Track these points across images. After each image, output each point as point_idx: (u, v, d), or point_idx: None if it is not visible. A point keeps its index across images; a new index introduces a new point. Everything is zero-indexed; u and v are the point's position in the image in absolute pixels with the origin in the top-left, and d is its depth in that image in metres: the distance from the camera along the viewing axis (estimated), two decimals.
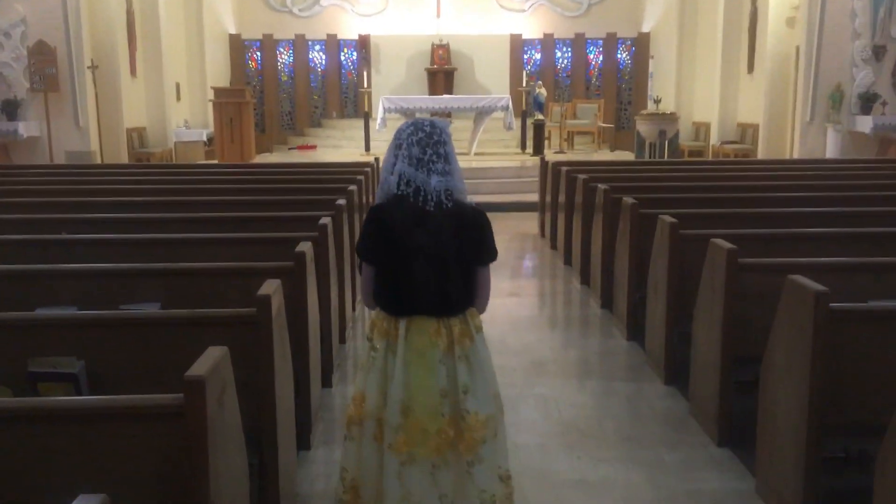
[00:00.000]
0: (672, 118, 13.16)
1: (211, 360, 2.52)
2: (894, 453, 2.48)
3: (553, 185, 9.01)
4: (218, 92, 13.93)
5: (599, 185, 6.91)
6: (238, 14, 19.66)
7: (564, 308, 7.46)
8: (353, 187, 7.15)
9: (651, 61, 14.15)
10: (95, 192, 7.41)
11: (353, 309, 6.81)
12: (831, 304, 3.15)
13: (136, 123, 15.89)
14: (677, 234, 4.97)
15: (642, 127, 13.18)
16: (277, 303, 3.48)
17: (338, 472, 3.06)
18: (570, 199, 8.06)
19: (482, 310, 2.99)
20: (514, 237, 10.25)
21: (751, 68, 15.93)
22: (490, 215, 3.05)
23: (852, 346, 3.25)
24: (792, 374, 3.31)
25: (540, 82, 15.69)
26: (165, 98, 16.33)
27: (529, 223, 11.20)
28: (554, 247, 9.14)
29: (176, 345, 3.21)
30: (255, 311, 3.33)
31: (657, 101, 13.14)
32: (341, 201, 6.22)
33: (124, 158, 15.03)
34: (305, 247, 4.44)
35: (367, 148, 15.78)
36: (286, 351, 3.71)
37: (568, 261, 8.35)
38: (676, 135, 13.34)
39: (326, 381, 5.09)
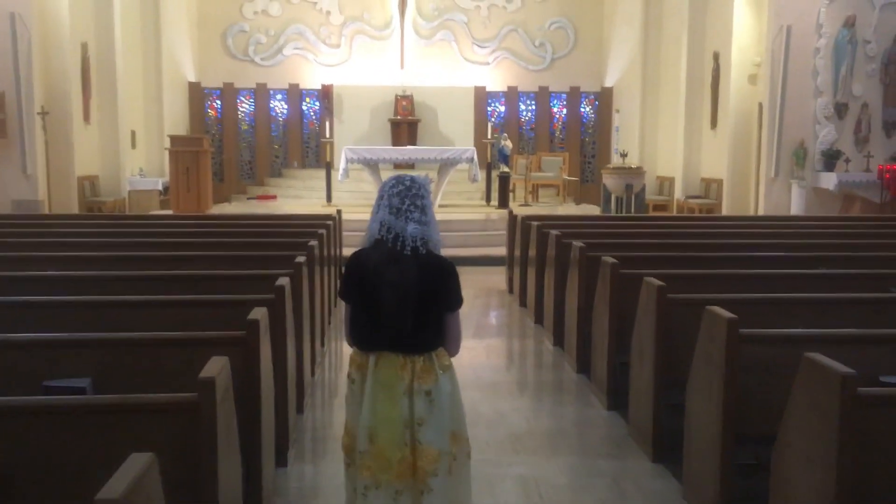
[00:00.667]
0: (638, 172, 13.03)
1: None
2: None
3: (522, 239, 8.69)
4: (175, 140, 13.47)
5: (574, 242, 6.59)
6: (198, 62, 19.31)
7: (537, 372, 7.08)
8: (313, 242, 6.73)
9: (616, 115, 14.08)
10: (31, 246, 6.87)
11: (312, 374, 6.33)
12: (859, 390, 2.80)
13: (89, 171, 15.32)
14: (665, 298, 4.63)
15: (609, 181, 13.02)
16: (223, 386, 3.12)
17: None
18: (542, 255, 7.73)
19: (453, 353, 3.19)
20: (480, 292, 9.87)
21: (714, 124, 15.99)
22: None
23: (880, 434, 2.88)
24: (813, 462, 2.94)
25: (505, 134, 15.54)
26: (120, 145, 15.80)
27: (496, 278, 10.85)
28: (523, 304, 8.78)
29: (105, 436, 2.89)
30: (196, 396, 2.98)
31: (623, 155, 13.02)
32: (301, 258, 5.79)
33: (74, 207, 14.43)
34: (260, 313, 4.01)
35: (329, 199, 15.39)
36: (232, 438, 3.35)
37: (539, 319, 7.98)
38: (643, 189, 13.20)
39: (281, 461, 4.61)
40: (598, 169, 19.52)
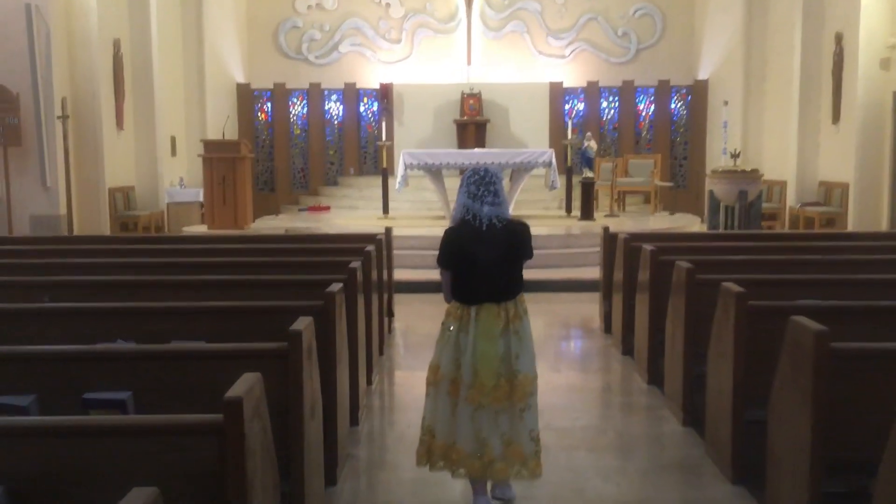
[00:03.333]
0: (754, 176, 10.77)
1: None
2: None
3: (627, 269, 6.61)
4: (209, 145, 11.84)
5: (728, 286, 4.36)
6: (247, 62, 17.80)
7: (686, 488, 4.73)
8: (346, 274, 4.86)
9: (724, 108, 11.86)
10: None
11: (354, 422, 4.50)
12: None
13: (123, 182, 13.86)
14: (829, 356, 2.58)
15: (717, 186, 10.80)
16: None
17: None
18: (658, 289, 5.66)
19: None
20: (563, 330, 7.83)
21: (836, 118, 13.54)
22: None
23: None
24: None
25: (589, 133, 13.45)
26: (158, 153, 14.32)
27: (585, 310, 8.82)
28: (627, 352, 6.69)
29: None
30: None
31: (735, 156, 10.79)
32: (334, 287, 4.00)
33: (105, 223, 12.97)
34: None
35: (386, 210, 13.56)
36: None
37: (654, 379, 5.87)
38: (759, 197, 10.93)
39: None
40: (690, 172, 17.25)
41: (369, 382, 5.76)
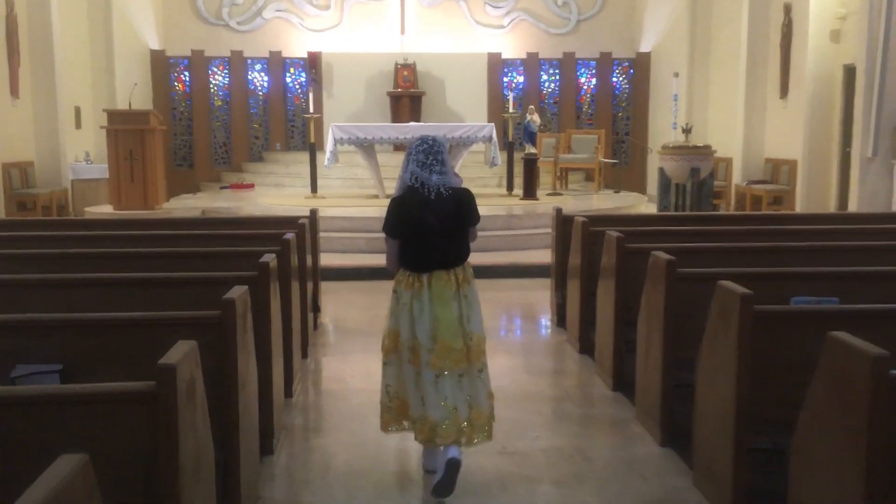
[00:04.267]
0: (706, 152, 10.16)
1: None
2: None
3: (586, 257, 5.82)
4: (113, 116, 10.58)
5: (728, 286, 3.53)
6: (162, 27, 16.40)
7: None
8: (266, 259, 3.93)
9: (674, 80, 11.22)
10: None
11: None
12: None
13: (19, 157, 12.47)
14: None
15: (668, 164, 10.15)
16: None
17: (379, 393, 4.04)
18: (631, 290, 4.89)
19: (474, 240, 4.03)
20: (510, 324, 7.03)
21: (784, 92, 13.07)
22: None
23: None
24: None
25: (532, 107, 12.65)
26: (60, 125, 12.94)
27: (532, 299, 8.06)
28: (585, 351, 5.91)
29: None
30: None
31: (687, 131, 10.14)
32: (233, 294, 3.05)
33: None
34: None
35: (314, 188, 12.53)
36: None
37: (622, 387, 5.08)
38: (711, 174, 10.33)
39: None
40: (633, 149, 16.67)
41: (288, 395, 4.86)
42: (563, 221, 6.71)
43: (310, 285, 6.13)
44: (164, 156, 15.61)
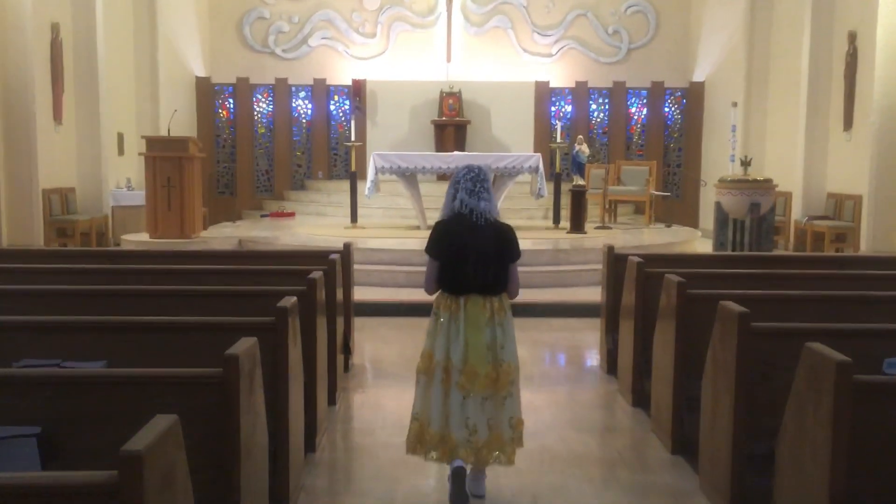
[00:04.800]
0: (767, 187, 9.57)
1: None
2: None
3: (641, 300, 5.31)
4: (152, 143, 10.41)
5: (817, 348, 3.01)
6: (208, 54, 16.38)
7: None
8: (284, 304, 3.52)
9: (733, 111, 10.67)
10: None
11: None
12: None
13: (61, 183, 12.40)
14: None
15: (726, 198, 9.58)
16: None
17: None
18: (695, 343, 4.38)
19: (514, 295, 4.10)
20: (554, 373, 6.50)
21: (848, 124, 12.39)
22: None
23: None
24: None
25: (581, 137, 12.18)
26: (103, 151, 12.85)
27: (579, 341, 7.56)
28: (639, 404, 5.37)
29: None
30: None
31: (746, 164, 9.57)
32: (237, 349, 2.62)
33: (38, 229, 11.51)
34: None
35: (354, 218, 12.20)
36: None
37: (682, 450, 4.52)
38: (772, 210, 9.73)
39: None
40: (685, 181, 16.06)
41: (310, 450, 4.42)
42: (614, 260, 6.22)
43: (341, 324, 5.72)
44: (207, 183, 15.57)
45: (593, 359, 6.65)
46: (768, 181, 9.66)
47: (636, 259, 5.39)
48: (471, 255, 3.89)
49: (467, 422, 3.86)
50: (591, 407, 5.48)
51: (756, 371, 3.54)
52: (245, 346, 2.80)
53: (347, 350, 6.03)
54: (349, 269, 6.14)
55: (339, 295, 5.62)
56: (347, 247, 6.18)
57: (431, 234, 4.04)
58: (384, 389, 5.89)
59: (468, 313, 3.90)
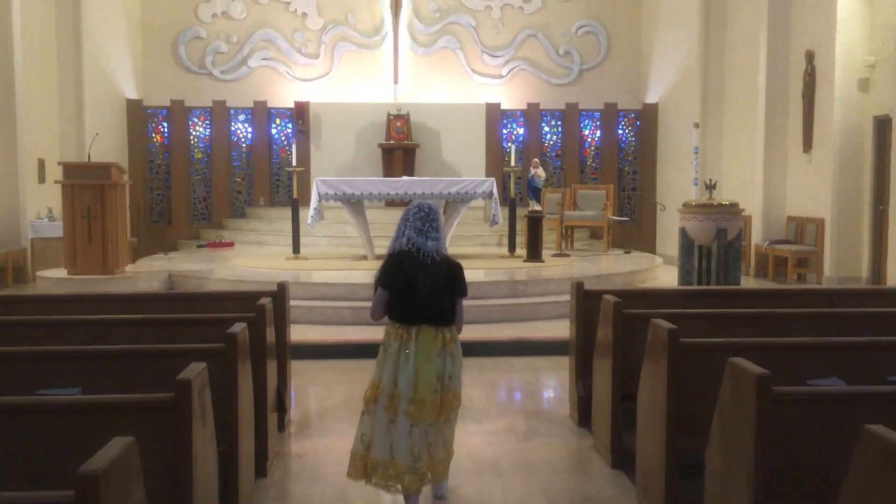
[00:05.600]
0: (733, 211, 9.06)
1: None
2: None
3: (618, 347, 4.64)
4: (69, 169, 9.46)
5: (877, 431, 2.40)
6: (141, 76, 15.45)
7: None
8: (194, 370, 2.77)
9: (695, 132, 10.20)
10: None
11: None
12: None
13: None
14: None
15: (690, 223, 9.04)
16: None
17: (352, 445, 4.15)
18: (690, 403, 3.73)
19: (459, 330, 4.23)
20: (515, 425, 5.78)
21: (808, 146, 12.06)
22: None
23: None
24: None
25: (536, 161, 11.58)
26: (20, 179, 11.85)
27: (542, 383, 6.88)
28: (620, 465, 4.69)
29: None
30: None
31: (711, 187, 9.08)
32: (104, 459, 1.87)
33: None
34: None
35: (296, 248, 11.38)
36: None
37: None
38: (739, 236, 9.23)
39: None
40: (640, 205, 15.64)
41: None
42: (584, 297, 5.55)
43: (273, 378, 4.93)
44: (140, 212, 14.59)
45: (561, 406, 5.95)
46: (734, 205, 9.15)
47: (612, 299, 4.72)
48: (421, 287, 3.99)
49: (413, 449, 3.98)
50: (565, 470, 4.75)
51: (778, 444, 2.88)
52: (114, 452, 2.03)
53: (282, 407, 5.23)
54: (284, 313, 5.36)
55: (271, 344, 4.83)
56: (282, 287, 5.39)
57: (383, 266, 4.13)
58: (325, 451, 5.10)
59: (420, 344, 4.01)
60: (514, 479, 4.60)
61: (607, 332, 4.82)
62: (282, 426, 5.27)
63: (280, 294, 5.38)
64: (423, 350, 3.98)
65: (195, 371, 2.92)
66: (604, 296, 4.88)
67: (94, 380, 3.51)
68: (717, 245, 9.01)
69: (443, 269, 4.05)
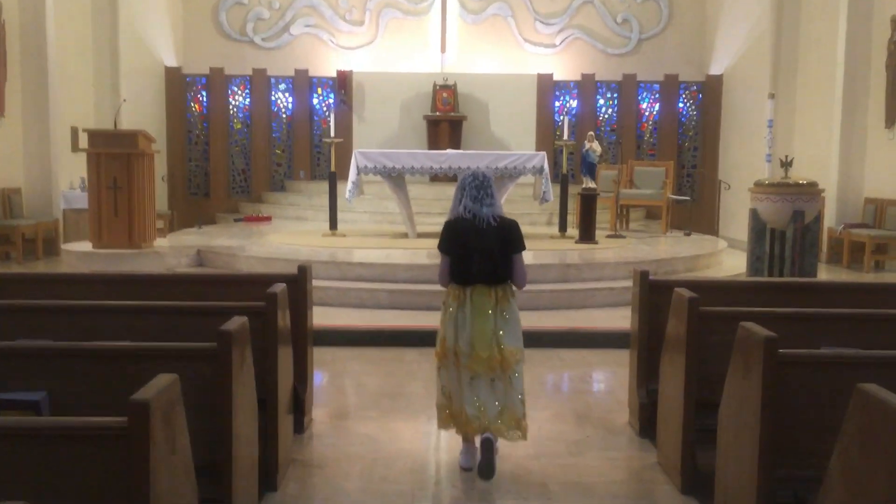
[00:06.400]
0: (813, 192, 8.16)
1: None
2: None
3: (693, 349, 3.90)
4: (94, 137, 8.95)
5: None
6: (180, 42, 14.95)
7: None
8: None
9: (769, 103, 9.26)
10: None
11: None
12: None
13: (5, 183, 11.00)
14: None
15: (763, 204, 8.17)
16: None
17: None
18: (789, 423, 3.00)
19: (520, 285, 4.38)
20: (564, 432, 5.09)
21: (891, 121, 11.00)
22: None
23: None
24: None
25: (591, 134, 10.75)
26: (53, 149, 11.47)
27: (597, 385, 6.16)
28: (690, 492, 3.98)
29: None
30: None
31: (787, 165, 8.17)
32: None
33: None
34: None
35: (333, 224, 10.77)
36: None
37: None
38: (817, 219, 8.33)
39: None
40: (700, 183, 14.69)
41: None
42: (648, 289, 4.80)
43: (289, 374, 4.30)
44: (178, 184, 14.15)
45: (619, 412, 5.22)
46: (813, 185, 8.25)
47: (686, 293, 3.97)
48: (475, 250, 4.21)
49: (476, 400, 4.21)
50: (627, 496, 4.03)
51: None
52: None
53: (299, 408, 4.60)
54: (304, 300, 4.71)
55: (285, 337, 4.20)
56: (304, 270, 4.74)
57: (442, 233, 4.37)
58: (348, 460, 4.46)
59: (474, 302, 4.24)
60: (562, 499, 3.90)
61: (679, 332, 4.07)
62: (299, 428, 4.65)
63: (301, 278, 4.73)
64: (477, 308, 4.22)
65: (154, 390, 2.27)
66: (675, 289, 4.12)
67: (62, 384, 2.91)
68: (794, 229, 8.14)
69: (497, 232, 4.23)
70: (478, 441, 4.23)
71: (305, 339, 4.73)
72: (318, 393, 5.57)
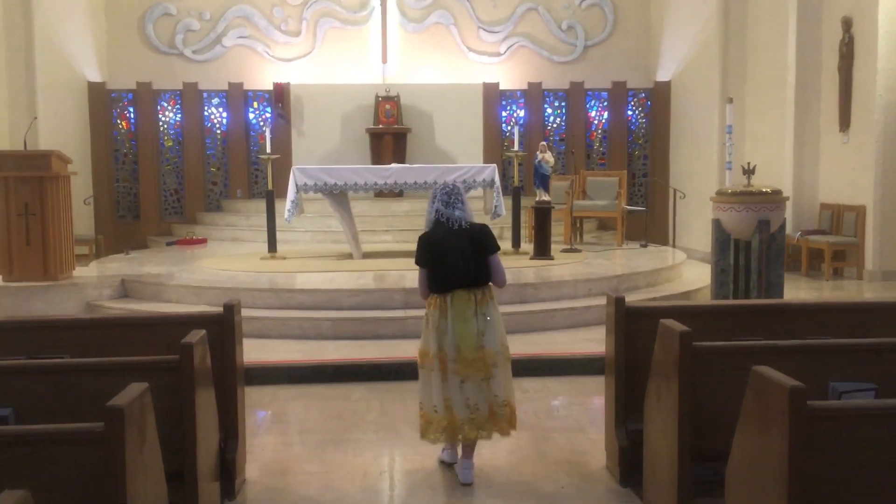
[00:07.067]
0: (777, 199, 7.78)
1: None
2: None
3: (685, 394, 3.36)
4: (2, 160, 8.10)
5: None
6: (105, 56, 14.07)
7: None
8: None
9: (728, 108, 8.88)
10: None
11: None
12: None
13: None
14: None
15: (727, 214, 7.76)
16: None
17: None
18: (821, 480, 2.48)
19: (500, 284, 4.55)
20: (538, 483, 4.52)
21: (844, 124, 10.78)
22: None
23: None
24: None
25: (544, 144, 10.26)
26: None
27: (566, 421, 5.60)
28: None
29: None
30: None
31: (750, 172, 7.79)
32: None
33: None
34: None
35: (272, 246, 10.05)
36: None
37: None
38: (782, 228, 7.95)
39: None
40: (651, 193, 14.37)
41: None
42: (624, 317, 4.26)
43: (213, 431, 3.63)
44: (106, 206, 13.25)
45: (595, 454, 4.65)
46: (778, 193, 7.87)
47: (677, 327, 3.43)
48: (450, 255, 4.37)
49: (468, 401, 4.35)
50: None
51: None
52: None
53: (227, 472, 3.93)
54: (232, 342, 4.05)
55: (206, 394, 3.53)
56: (230, 310, 4.08)
57: (417, 249, 4.53)
58: None
59: (455, 307, 4.36)
60: None
61: (668, 371, 3.53)
62: (229, 494, 3.97)
63: (228, 317, 4.07)
64: (459, 312, 4.35)
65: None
66: (662, 321, 3.59)
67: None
68: (759, 239, 7.75)
69: (469, 235, 4.42)
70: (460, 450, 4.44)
71: (234, 386, 4.07)
72: (254, 445, 4.90)
